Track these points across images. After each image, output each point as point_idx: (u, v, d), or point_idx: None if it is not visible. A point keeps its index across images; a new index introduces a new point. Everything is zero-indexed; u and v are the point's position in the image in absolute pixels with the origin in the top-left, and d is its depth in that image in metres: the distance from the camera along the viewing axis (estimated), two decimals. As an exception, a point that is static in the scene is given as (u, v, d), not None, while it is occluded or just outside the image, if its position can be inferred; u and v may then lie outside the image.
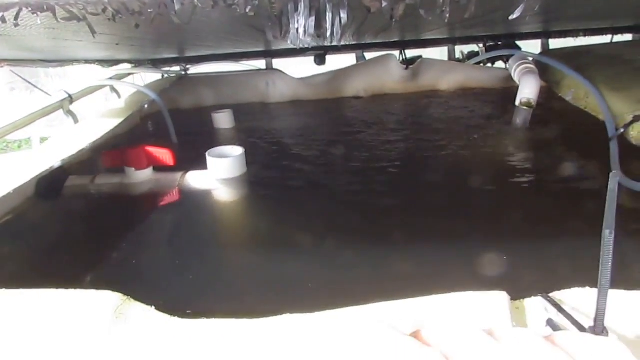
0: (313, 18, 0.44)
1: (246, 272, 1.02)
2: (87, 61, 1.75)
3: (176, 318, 0.65)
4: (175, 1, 0.41)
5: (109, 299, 0.67)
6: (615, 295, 0.59)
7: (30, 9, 0.40)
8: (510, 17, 0.44)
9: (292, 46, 2.04)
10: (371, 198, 1.29)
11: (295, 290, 0.88)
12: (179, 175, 1.43)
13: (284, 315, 0.63)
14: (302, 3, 0.42)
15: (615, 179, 0.42)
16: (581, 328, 0.51)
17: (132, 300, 0.68)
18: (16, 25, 0.40)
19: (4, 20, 0.39)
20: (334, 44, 0.47)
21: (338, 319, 0.61)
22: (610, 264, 0.45)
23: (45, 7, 0.39)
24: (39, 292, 0.68)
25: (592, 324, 0.51)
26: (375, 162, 1.52)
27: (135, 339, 0.61)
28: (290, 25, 0.45)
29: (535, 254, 0.96)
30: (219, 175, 1.43)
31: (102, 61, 1.88)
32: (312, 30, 0.44)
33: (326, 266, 0.97)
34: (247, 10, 0.44)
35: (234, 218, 1.31)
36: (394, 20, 0.50)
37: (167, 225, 1.28)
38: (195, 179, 1.43)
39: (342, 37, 0.47)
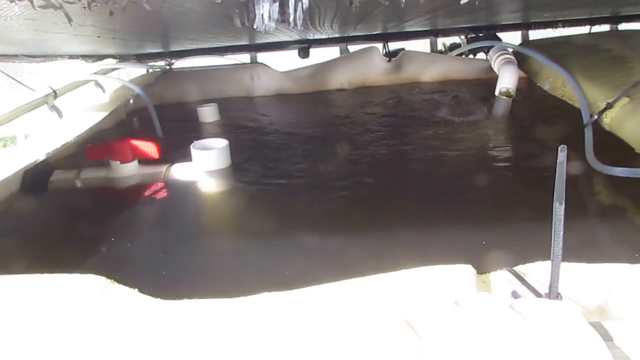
0: (277, 4, 0.46)
1: (229, 257, 1.04)
2: (70, 56, 1.75)
3: (159, 299, 0.68)
4: (146, -11, 0.44)
5: (94, 281, 0.69)
6: (571, 268, 0.62)
7: (9, -2, 0.42)
8: (462, 2, 0.46)
9: (276, 39, 2.06)
10: (347, 188, 1.33)
11: (274, 271, 0.90)
12: (164, 168, 1.45)
13: (262, 294, 0.65)
14: (266, -10, 0.45)
15: (563, 152, 0.45)
16: (538, 295, 0.54)
17: (116, 283, 0.70)
18: None
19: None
20: (297, 27, 0.49)
21: (313, 295, 0.63)
22: (561, 233, 0.49)
23: (23, -6, 0.41)
24: (28, 277, 0.70)
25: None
26: (354, 154, 1.55)
27: (120, 319, 0.63)
28: (256, 11, 0.47)
29: (503, 232, 0.99)
30: (204, 167, 1.44)
31: (86, 56, 1.89)
32: (276, 15, 0.47)
33: (305, 248, 1.00)
34: (215, -2, 0.46)
35: (217, 208, 1.33)
36: (353, 5, 0.53)
37: (152, 217, 1.30)
38: (180, 172, 1.44)
39: (307, 23, 0.49)
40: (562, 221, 0.48)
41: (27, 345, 0.49)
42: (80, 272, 0.75)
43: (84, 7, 0.45)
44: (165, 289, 0.74)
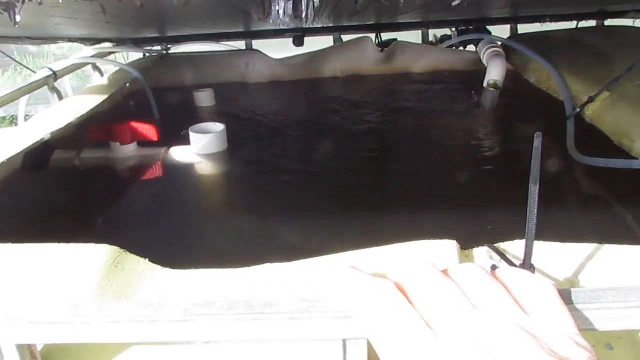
0: (291, 1, 0.51)
1: (227, 234, 1.10)
2: (70, 39, 1.78)
3: (167, 268, 0.73)
4: (175, -15, 0.49)
5: (108, 250, 0.74)
6: (545, 246, 0.69)
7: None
8: (453, 3, 0.52)
9: (271, 27, 2.10)
10: (342, 168, 1.39)
11: (273, 246, 0.97)
12: (162, 149, 1.50)
13: (264, 264, 0.71)
14: (282, -12, 0.50)
15: (538, 138, 0.51)
16: (513, 265, 0.61)
17: (128, 252, 0.76)
18: (40, 3, 0.46)
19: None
20: (309, 25, 0.54)
21: (310, 265, 0.69)
22: (535, 210, 0.54)
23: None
24: (42, 246, 0.75)
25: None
26: (349, 139, 1.61)
27: (134, 284, 0.69)
28: (272, 7, 0.52)
29: (486, 214, 1.06)
30: (201, 150, 1.49)
31: (85, 39, 1.91)
32: (290, 11, 0.52)
33: (300, 226, 1.06)
34: (237, -7, 0.52)
35: (216, 188, 1.39)
36: (357, 4, 0.58)
37: (151, 196, 1.35)
38: (178, 154, 1.49)
39: (315, 18, 0.55)
40: (536, 200, 0.54)
41: (44, 310, 0.53)
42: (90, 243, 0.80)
43: (118, 0, 0.50)
44: (169, 260, 0.80)
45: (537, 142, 0.53)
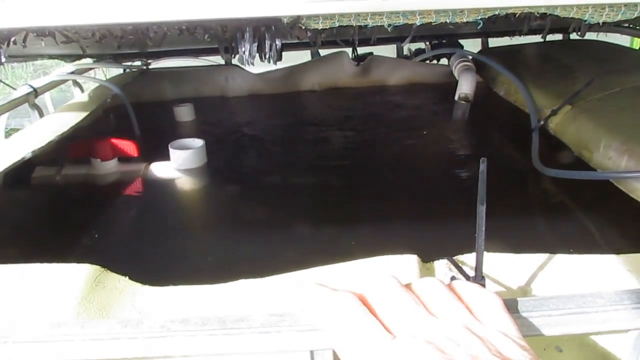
0: (256, 44, 0.56)
1: (204, 249, 1.14)
2: (50, 56, 1.81)
3: (147, 286, 0.77)
4: (149, 30, 0.53)
5: (89, 270, 0.78)
6: (500, 257, 0.75)
7: (35, 34, 0.50)
8: (403, 45, 0.57)
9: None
10: (318, 184, 1.43)
11: (247, 261, 1.01)
12: (142, 165, 1.53)
13: (240, 280, 0.76)
14: (247, 33, 0.55)
15: (484, 164, 0.57)
16: (468, 278, 0.66)
17: (108, 271, 0.79)
18: (24, 46, 0.50)
19: (15, 43, 0.50)
20: (272, 62, 0.59)
21: (282, 281, 0.74)
22: (484, 228, 0.60)
23: (47, 32, 0.50)
24: (26, 266, 0.79)
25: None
26: (330, 154, 1.66)
27: (112, 304, 0.73)
28: (239, 49, 0.57)
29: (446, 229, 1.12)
30: (181, 166, 1.53)
31: (65, 56, 1.94)
32: (255, 53, 0.57)
33: (273, 242, 1.11)
34: (206, 37, 0.56)
35: (195, 204, 1.43)
36: (317, 45, 0.62)
37: (132, 212, 1.38)
38: (158, 170, 1.52)
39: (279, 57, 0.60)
40: (484, 219, 0.59)
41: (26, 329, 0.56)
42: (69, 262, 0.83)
43: (96, 41, 0.54)
44: (149, 277, 0.83)
45: (483, 167, 0.58)
